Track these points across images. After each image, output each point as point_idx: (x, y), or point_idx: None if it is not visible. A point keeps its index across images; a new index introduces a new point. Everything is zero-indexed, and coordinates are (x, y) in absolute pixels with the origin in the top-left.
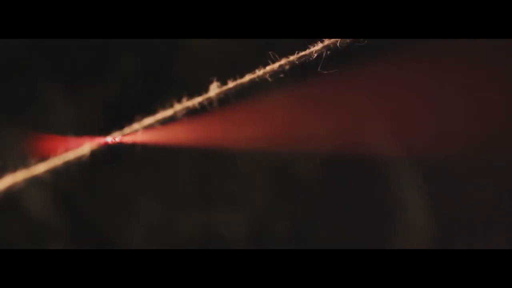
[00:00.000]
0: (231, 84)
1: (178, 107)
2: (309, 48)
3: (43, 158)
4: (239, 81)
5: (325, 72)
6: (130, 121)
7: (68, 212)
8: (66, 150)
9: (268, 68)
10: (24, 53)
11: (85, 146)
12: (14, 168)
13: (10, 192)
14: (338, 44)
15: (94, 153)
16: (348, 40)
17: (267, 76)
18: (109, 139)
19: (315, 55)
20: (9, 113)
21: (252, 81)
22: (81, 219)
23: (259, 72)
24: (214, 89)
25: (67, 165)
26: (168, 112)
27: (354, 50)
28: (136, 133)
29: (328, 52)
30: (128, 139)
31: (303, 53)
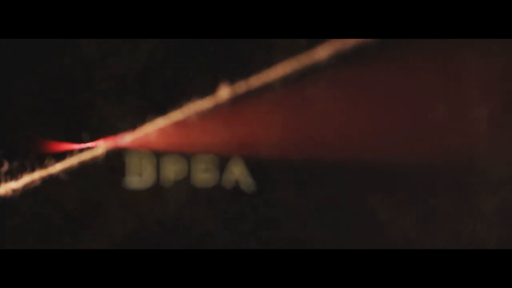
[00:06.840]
0: (239, 86)
1: (188, 108)
2: (315, 49)
3: (59, 158)
4: (247, 82)
5: (331, 72)
6: (142, 122)
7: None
8: (81, 150)
9: (276, 69)
10: (25, 55)
11: (100, 147)
12: (31, 168)
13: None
14: (344, 45)
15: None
16: (354, 41)
17: (275, 77)
18: (121, 140)
19: (321, 56)
20: (29, 116)
21: (260, 83)
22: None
23: (268, 73)
24: (224, 91)
25: (83, 165)
26: (178, 114)
27: (359, 50)
28: (148, 134)
29: (335, 53)
30: (140, 140)
31: (309, 54)
